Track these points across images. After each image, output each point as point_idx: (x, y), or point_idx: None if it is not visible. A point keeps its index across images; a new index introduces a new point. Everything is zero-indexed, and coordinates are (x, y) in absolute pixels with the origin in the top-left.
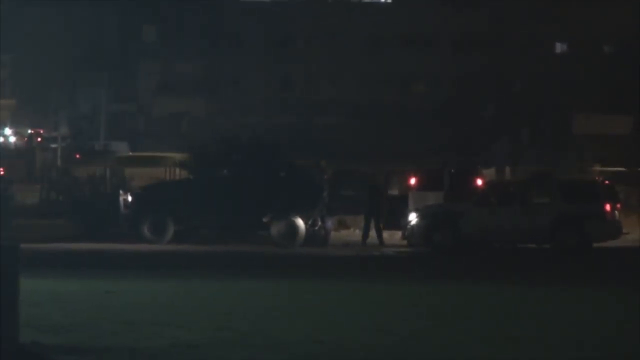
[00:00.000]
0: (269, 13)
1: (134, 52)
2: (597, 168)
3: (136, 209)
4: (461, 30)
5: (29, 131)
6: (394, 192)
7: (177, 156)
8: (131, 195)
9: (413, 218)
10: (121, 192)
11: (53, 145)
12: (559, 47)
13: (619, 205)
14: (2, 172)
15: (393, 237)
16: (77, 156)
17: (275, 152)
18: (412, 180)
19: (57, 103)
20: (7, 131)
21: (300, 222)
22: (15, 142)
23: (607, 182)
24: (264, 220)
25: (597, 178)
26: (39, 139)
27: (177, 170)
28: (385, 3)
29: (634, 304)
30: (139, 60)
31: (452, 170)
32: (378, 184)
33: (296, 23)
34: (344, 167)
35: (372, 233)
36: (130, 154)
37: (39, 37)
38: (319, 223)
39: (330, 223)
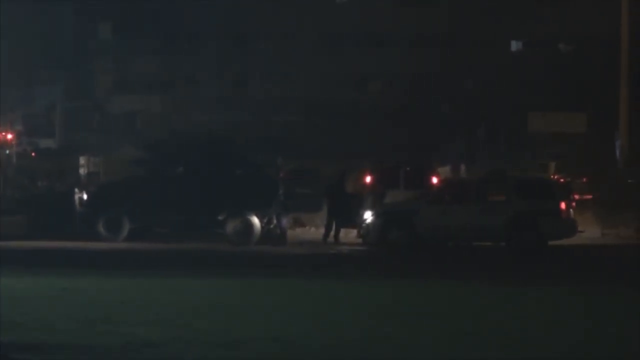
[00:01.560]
0: (225, 10)
1: (90, 49)
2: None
3: (91, 207)
4: (418, 29)
5: None
6: (349, 190)
7: None
8: (87, 193)
9: (368, 216)
10: (76, 190)
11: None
12: (515, 46)
13: (574, 204)
14: None
15: (348, 235)
16: (33, 154)
17: (231, 150)
18: (368, 178)
19: (12, 101)
20: None
21: (255, 220)
22: None
23: (562, 180)
24: (220, 218)
25: (552, 176)
26: (9, 137)
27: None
28: (341, 2)
29: (592, 301)
30: (95, 58)
31: (408, 168)
32: (343, 181)
33: (252, 21)
34: (300, 165)
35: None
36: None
37: None
38: (274, 221)
39: (285, 221)
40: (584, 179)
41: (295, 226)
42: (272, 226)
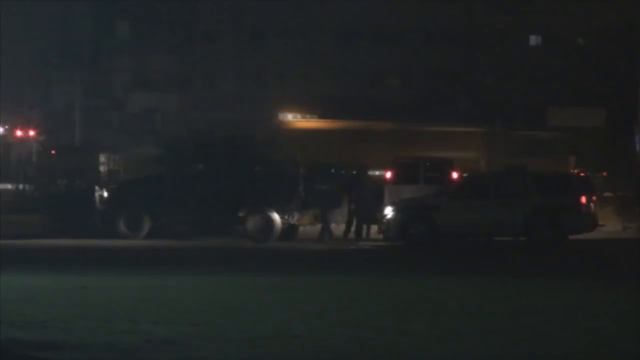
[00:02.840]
0: (242, 8)
1: (108, 48)
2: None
3: (112, 205)
4: (434, 23)
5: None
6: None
7: None
8: (107, 190)
9: (389, 212)
10: (97, 187)
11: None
12: (534, 40)
13: (594, 198)
14: None
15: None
16: (53, 152)
17: (250, 147)
18: (388, 174)
19: (31, 99)
20: (1, 130)
21: (276, 217)
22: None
23: (582, 174)
24: (240, 214)
25: (572, 170)
26: (32, 133)
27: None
28: None
29: (609, 296)
30: (113, 56)
31: (428, 164)
32: (363, 177)
33: (269, 18)
34: (318, 161)
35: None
36: None
37: (12, 34)
38: (325, 222)
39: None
40: (604, 174)
41: (315, 222)
42: (292, 222)
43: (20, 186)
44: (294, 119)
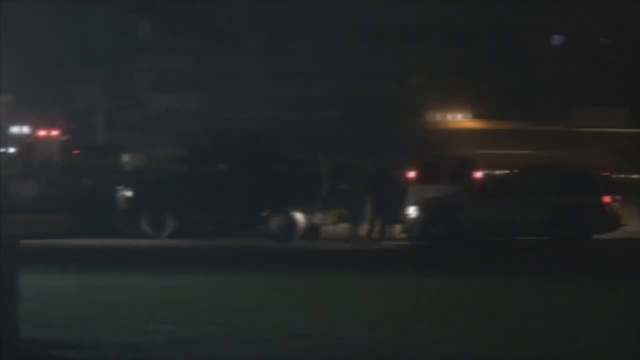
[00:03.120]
0: (263, 7)
1: (129, 48)
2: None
3: (135, 204)
4: (458, 23)
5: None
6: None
7: None
8: (130, 190)
9: (412, 211)
10: (119, 187)
11: (62, 139)
12: (557, 40)
13: (618, 197)
14: None
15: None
16: (75, 152)
17: (273, 147)
18: (411, 173)
19: (53, 99)
20: (25, 129)
21: (299, 217)
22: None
23: (606, 173)
24: (263, 214)
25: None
26: (54, 133)
27: None
28: None
29: (629, 296)
30: (134, 56)
31: (451, 163)
32: (387, 176)
33: (289, 17)
34: (342, 161)
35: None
36: None
37: (33, 34)
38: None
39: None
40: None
41: (339, 222)
42: (314, 222)
43: (44, 185)
44: (447, 119)
